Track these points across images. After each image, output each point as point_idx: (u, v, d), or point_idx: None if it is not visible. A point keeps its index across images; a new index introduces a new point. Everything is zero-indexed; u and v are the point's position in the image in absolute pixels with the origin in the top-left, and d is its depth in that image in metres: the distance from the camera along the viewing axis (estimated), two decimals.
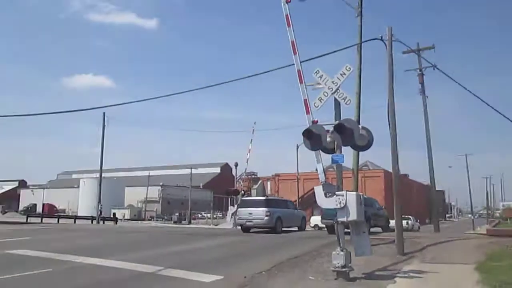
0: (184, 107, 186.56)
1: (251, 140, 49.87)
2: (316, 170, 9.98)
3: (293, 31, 10.20)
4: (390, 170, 16.42)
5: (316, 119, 10.14)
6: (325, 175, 9.85)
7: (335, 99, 10.60)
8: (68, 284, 9.18)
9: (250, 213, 25.42)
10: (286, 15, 10.28)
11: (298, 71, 10.23)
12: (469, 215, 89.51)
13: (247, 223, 25.74)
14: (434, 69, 26.92)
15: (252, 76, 19.91)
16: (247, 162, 44.43)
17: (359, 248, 9.91)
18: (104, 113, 47.87)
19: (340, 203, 9.29)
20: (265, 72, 19.43)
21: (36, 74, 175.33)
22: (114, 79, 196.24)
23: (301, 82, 10.22)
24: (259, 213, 25.10)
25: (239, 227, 27.58)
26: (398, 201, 15.09)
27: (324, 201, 9.57)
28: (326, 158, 10.36)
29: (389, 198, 41.35)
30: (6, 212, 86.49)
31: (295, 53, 10.17)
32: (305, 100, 10.17)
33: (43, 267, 10.71)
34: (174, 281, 9.34)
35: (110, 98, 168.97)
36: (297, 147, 57.94)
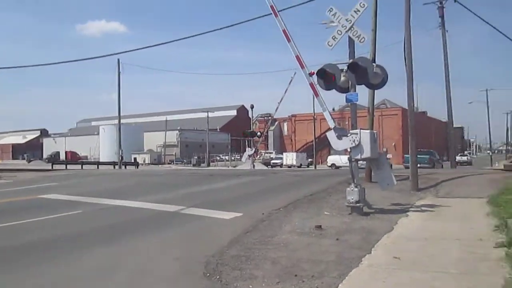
0: (196, 50, 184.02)
1: (286, 90, 49.36)
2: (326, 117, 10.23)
3: None
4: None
5: (312, 71, 10.40)
6: (333, 120, 10.11)
7: (349, 37, 10.45)
8: (98, 223, 9.79)
9: None
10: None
11: (284, 31, 10.55)
12: (488, 152, 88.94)
13: None
14: (455, 1, 25.92)
15: (260, 17, 19.47)
16: (276, 110, 44.01)
17: (383, 181, 10.15)
18: (118, 60, 47.70)
19: (354, 141, 9.51)
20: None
21: (49, 22, 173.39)
22: (127, 25, 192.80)
23: (289, 41, 10.53)
24: None
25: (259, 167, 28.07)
26: (413, 138, 15.22)
27: (338, 143, 9.82)
28: (342, 97, 10.48)
29: (406, 136, 41.31)
30: (31, 161, 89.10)
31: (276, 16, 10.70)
32: (296, 56, 10.44)
33: (74, 209, 11.40)
34: (197, 219, 9.88)
35: (124, 44, 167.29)
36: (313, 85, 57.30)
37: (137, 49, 54.29)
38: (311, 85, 10.39)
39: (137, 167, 53.41)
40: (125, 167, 50.65)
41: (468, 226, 8.14)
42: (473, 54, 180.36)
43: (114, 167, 49.86)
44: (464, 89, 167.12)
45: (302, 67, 10.44)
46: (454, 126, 33.17)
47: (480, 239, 6.95)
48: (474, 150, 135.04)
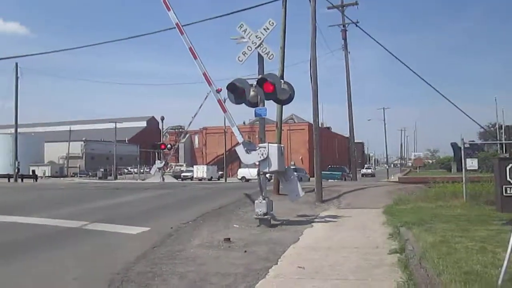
0: (106, 59, 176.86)
1: (201, 105, 49.73)
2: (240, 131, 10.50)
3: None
4: None
5: (220, 88, 10.79)
6: (242, 135, 10.42)
7: (259, 54, 10.79)
8: None
9: None
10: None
11: (190, 48, 10.87)
12: (385, 165, 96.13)
13: None
14: (356, 25, 27.90)
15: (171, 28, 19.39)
16: (189, 124, 43.69)
17: (292, 192, 10.50)
18: (16, 64, 44.39)
19: (262, 154, 9.77)
20: (185, 25, 19.04)
21: None
22: (29, 27, 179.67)
23: (195, 58, 10.81)
24: None
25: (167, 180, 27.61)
26: (318, 152, 16.00)
27: (247, 157, 10.04)
28: (251, 111, 10.76)
29: (313, 150, 43.11)
30: None
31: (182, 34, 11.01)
32: (204, 74, 10.76)
33: None
34: (101, 235, 9.43)
35: (24, 47, 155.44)
36: (224, 100, 57.77)
37: (38, 54, 50.72)
38: (219, 101, 10.71)
39: (36, 180, 49.71)
40: (22, 180, 46.90)
41: (366, 235, 8.73)
42: (372, 74, 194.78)
43: (9, 180, 45.97)
44: (365, 106, 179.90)
45: (210, 84, 10.71)
46: (356, 141, 35.50)
47: (377, 246, 7.49)
48: (374, 164, 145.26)
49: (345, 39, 31.95)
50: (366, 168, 77.94)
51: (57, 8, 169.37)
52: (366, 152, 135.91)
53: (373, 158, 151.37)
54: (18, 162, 47.39)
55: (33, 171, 58.55)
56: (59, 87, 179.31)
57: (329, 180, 34.26)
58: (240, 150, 10.07)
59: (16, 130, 47.43)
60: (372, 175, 68.32)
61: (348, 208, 13.26)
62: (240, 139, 10.22)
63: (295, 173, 11.62)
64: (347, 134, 60.60)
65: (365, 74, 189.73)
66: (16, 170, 46.81)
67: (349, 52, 32.21)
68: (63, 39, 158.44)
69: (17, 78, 44.53)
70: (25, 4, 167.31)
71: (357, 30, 31.32)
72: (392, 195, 15.82)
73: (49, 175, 69.72)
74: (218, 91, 10.69)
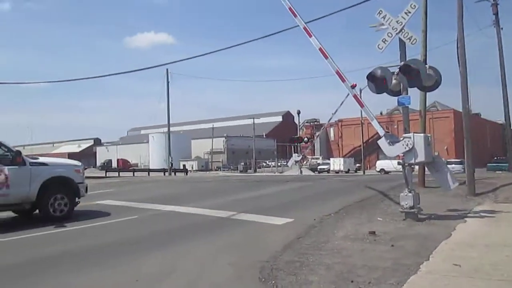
0: (242, 58, 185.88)
1: (342, 102, 49.68)
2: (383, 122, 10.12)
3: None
4: (460, 109, 15.83)
5: (354, 83, 10.62)
6: (382, 127, 10.06)
7: (400, 40, 10.24)
8: (154, 227, 10.06)
9: None
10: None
11: (320, 49, 10.73)
12: None
13: None
14: None
15: (308, 22, 19.46)
16: (329, 120, 43.63)
17: (444, 183, 9.77)
18: (167, 70, 49.19)
19: (407, 145, 9.29)
20: (320, 18, 18.97)
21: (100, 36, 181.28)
22: (175, 36, 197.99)
23: (326, 58, 10.62)
24: None
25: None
26: (469, 142, 14.66)
27: (391, 150, 9.63)
28: (392, 100, 10.33)
29: (459, 140, 39.82)
30: (86, 168, 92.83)
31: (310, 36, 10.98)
32: (336, 72, 10.52)
33: (130, 214, 11.80)
34: (248, 224, 9.97)
35: (172, 55, 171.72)
36: (360, 91, 56.37)
37: (184, 59, 55.32)
38: (355, 96, 10.54)
39: (187, 174, 54.52)
40: (175, 174, 51.86)
41: None
42: None
43: (164, 174, 51.17)
44: None
45: (343, 80, 10.53)
46: None
47: None
48: None
49: (496, 14, 28.52)
50: None
51: (196, 18, 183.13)
52: None
53: None
54: (172, 158, 52.61)
55: (184, 166, 64.52)
56: (202, 88, 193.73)
57: (496, 172, 33.76)
58: (382, 143, 9.70)
59: (168, 129, 52.56)
60: None
61: (507, 203, 11.88)
62: (381, 132, 9.85)
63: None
64: (500, 120, 54.33)
65: None
66: (170, 165, 51.99)
67: (502, 28, 28.71)
68: (201, 46, 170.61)
69: (168, 82, 49.38)
70: (171, 16, 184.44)
71: (510, 3, 27.65)
72: None
73: (196, 169, 76.09)
74: (353, 86, 10.59)
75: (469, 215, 9.98)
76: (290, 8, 11.18)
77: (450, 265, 5.81)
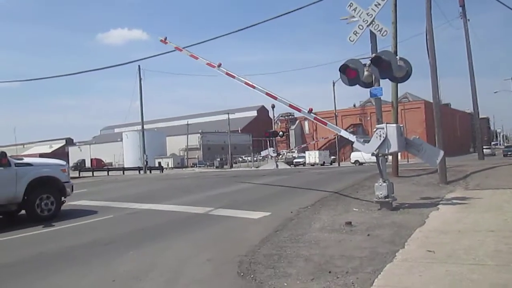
0: (214, 53, 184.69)
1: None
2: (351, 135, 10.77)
3: None
4: (431, 100, 16.16)
5: (310, 107, 11.21)
6: (350, 134, 10.77)
7: (371, 32, 10.36)
8: (130, 226, 9.90)
9: None
10: None
11: (246, 83, 12.70)
12: None
13: None
14: None
15: (282, 15, 19.50)
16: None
17: (429, 159, 9.86)
18: (139, 66, 48.55)
19: (381, 136, 9.45)
20: (294, 10, 19.01)
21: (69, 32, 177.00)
22: (148, 32, 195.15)
23: (275, 98, 12.03)
24: None
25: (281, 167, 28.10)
26: (440, 131, 14.99)
27: (368, 148, 9.86)
28: (365, 92, 10.49)
29: (430, 130, 40.71)
30: None
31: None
32: (290, 105, 11.73)
33: (105, 214, 11.61)
34: (226, 219, 9.94)
35: (144, 51, 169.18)
36: (333, 84, 57.00)
37: (156, 55, 54.46)
38: (316, 119, 11.44)
39: (162, 171, 54.09)
40: (150, 172, 51.36)
41: (502, 217, 7.98)
42: (495, 41, 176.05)
43: (139, 172, 50.61)
44: (489, 78, 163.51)
45: (299, 110, 11.33)
46: (480, 117, 32.52)
47: None
48: (502, 140, 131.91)
49: (463, 6, 29.22)
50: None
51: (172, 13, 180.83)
52: (492, 128, 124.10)
53: (501, 134, 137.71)
54: (146, 156, 52.04)
55: (159, 163, 63.89)
56: (176, 84, 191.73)
57: None
58: (358, 145, 10.18)
59: (142, 127, 51.95)
60: (492, 154, 60.79)
61: (477, 189, 12.21)
62: (352, 138, 10.45)
63: None
64: (469, 109, 55.95)
65: (487, 42, 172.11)
66: (145, 163, 51.43)
67: (469, 20, 29.40)
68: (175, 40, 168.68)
69: (140, 79, 48.75)
70: (147, 13, 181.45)
71: None
72: None
73: (172, 166, 75.54)
74: (310, 111, 11.11)
75: (441, 202, 10.21)
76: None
77: (424, 252, 5.93)
